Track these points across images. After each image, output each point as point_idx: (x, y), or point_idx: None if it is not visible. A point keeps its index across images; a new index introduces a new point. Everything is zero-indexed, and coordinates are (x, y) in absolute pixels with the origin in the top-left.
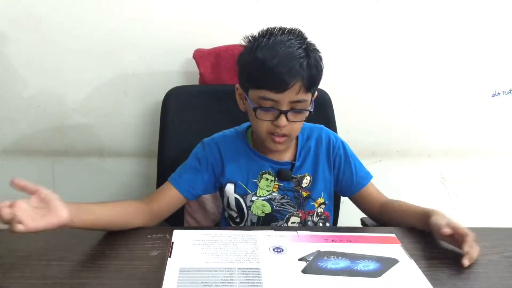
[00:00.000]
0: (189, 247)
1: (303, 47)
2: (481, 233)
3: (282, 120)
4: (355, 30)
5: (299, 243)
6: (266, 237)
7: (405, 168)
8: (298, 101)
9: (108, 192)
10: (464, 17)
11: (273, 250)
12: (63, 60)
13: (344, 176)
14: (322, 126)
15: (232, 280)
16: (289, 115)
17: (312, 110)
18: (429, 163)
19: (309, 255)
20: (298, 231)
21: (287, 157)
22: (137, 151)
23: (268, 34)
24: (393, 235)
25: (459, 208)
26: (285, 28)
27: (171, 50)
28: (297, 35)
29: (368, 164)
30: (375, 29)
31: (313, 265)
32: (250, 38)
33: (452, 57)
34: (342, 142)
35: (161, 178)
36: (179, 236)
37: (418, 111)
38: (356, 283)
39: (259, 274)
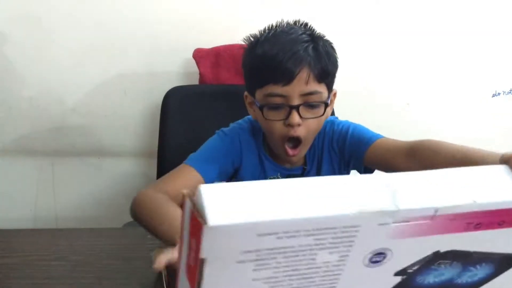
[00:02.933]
0: (234, 267)
1: (308, 33)
2: None
3: (294, 117)
4: (355, 29)
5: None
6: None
7: None
8: (310, 93)
9: (108, 192)
10: (464, 17)
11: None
12: (63, 60)
13: (350, 146)
14: None
15: None
16: (302, 110)
17: (328, 102)
18: None
19: (415, 264)
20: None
21: (298, 162)
22: (137, 151)
23: (268, 29)
24: None
25: None
26: (288, 21)
27: (171, 49)
28: (301, 24)
29: None
30: (375, 29)
31: (407, 284)
32: (251, 37)
33: (452, 57)
34: (339, 126)
35: None
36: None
37: (418, 111)
38: None
39: None
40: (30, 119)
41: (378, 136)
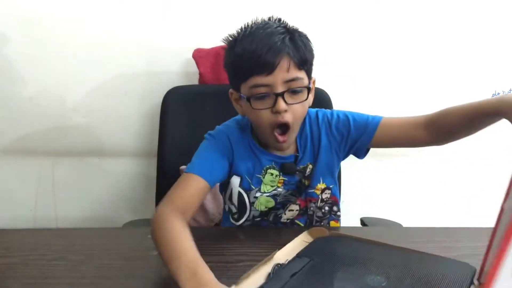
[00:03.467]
0: None
1: (282, 25)
2: (483, 232)
3: (280, 103)
4: (354, 29)
5: None
6: None
7: (404, 168)
8: (292, 80)
9: (108, 192)
10: (464, 16)
11: None
12: (63, 60)
13: (356, 131)
14: (310, 109)
15: None
16: (287, 97)
17: (310, 86)
18: (428, 162)
19: None
20: None
21: (290, 150)
22: (137, 151)
23: (245, 27)
24: None
25: (456, 207)
26: (263, 18)
27: (171, 50)
28: (275, 20)
29: (367, 163)
30: (375, 29)
31: None
32: (229, 37)
33: (452, 56)
34: (334, 114)
35: (161, 178)
36: None
37: (418, 110)
38: None
39: None
40: (30, 119)
41: (379, 117)
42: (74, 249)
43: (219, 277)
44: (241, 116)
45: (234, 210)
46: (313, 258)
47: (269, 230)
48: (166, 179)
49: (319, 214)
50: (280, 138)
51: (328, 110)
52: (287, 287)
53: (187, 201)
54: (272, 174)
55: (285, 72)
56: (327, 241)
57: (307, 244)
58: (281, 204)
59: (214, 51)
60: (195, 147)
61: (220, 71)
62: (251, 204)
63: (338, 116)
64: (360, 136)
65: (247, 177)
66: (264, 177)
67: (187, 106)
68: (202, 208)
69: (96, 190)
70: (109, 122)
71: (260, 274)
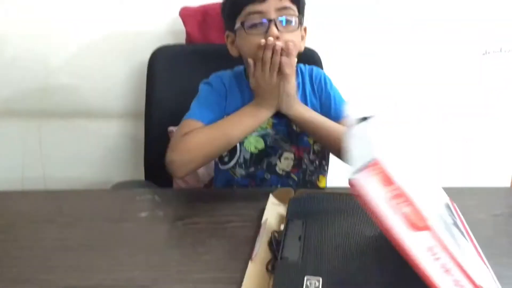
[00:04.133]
0: None
1: None
2: (469, 192)
3: (273, 29)
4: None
5: None
6: None
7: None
8: (284, 8)
9: (96, 154)
10: None
11: None
12: (46, 19)
13: (324, 107)
14: (306, 65)
15: None
16: (279, 26)
17: (302, 22)
18: (419, 125)
19: None
20: None
21: None
22: (124, 112)
23: None
24: None
25: (447, 168)
26: None
27: (157, 8)
28: None
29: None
30: None
31: None
32: None
33: (442, 15)
34: (324, 75)
35: (149, 139)
36: None
37: (406, 70)
38: None
39: None
40: (13, 81)
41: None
42: (63, 212)
43: (209, 237)
44: (236, 68)
45: (224, 152)
46: (305, 220)
47: (258, 191)
48: (154, 140)
49: (311, 168)
50: None
51: (322, 72)
52: (305, 252)
53: None
54: None
55: (277, 0)
56: (305, 200)
57: (279, 206)
58: (273, 149)
59: (202, 10)
60: (183, 107)
61: (208, 30)
62: (241, 143)
63: (326, 85)
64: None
65: None
66: None
67: (174, 66)
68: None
69: (83, 151)
70: (95, 82)
71: (263, 245)
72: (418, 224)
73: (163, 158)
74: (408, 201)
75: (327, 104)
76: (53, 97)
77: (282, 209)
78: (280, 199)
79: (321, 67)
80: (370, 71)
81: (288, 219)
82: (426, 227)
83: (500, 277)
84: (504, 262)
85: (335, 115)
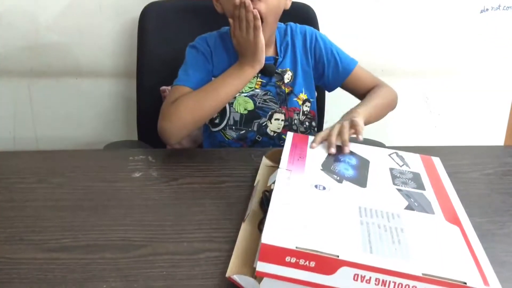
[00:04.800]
0: None
1: None
2: (461, 151)
3: None
4: None
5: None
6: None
7: None
8: None
9: (88, 114)
10: None
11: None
12: None
13: (330, 65)
14: (297, 24)
15: None
16: None
17: None
18: (413, 82)
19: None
20: None
21: (269, 52)
22: (115, 71)
23: None
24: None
25: (440, 127)
26: None
27: None
28: None
29: None
30: None
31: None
32: None
33: None
34: (319, 33)
35: (141, 99)
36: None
37: (403, 29)
38: None
39: None
40: (1, 39)
41: (354, 64)
42: (55, 172)
43: (204, 197)
44: (222, 28)
45: (215, 115)
46: None
47: (252, 151)
48: (146, 99)
49: (302, 129)
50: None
51: (315, 31)
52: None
53: None
54: None
55: None
56: None
57: (272, 167)
58: (263, 110)
59: None
60: (175, 65)
61: None
62: (230, 104)
63: (324, 42)
64: (330, 75)
65: None
66: None
67: (166, 22)
68: None
69: (75, 111)
70: (85, 40)
71: (255, 206)
72: None
73: (156, 118)
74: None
75: (332, 60)
76: (42, 56)
77: (275, 170)
78: (273, 160)
79: (316, 24)
80: (366, 29)
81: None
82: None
83: (492, 235)
84: (496, 220)
85: (344, 68)
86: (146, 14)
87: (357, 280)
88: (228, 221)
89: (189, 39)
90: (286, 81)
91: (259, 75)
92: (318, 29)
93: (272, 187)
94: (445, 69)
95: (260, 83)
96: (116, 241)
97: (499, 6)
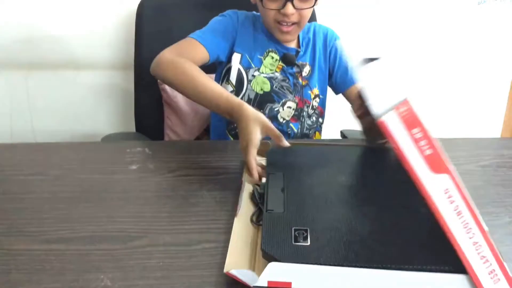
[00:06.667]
0: None
1: None
2: (458, 142)
3: (289, 8)
4: None
5: None
6: None
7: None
8: None
9: (85, 106)
10: None
11: None
12: None
13: (340, 67)
14: (321, 25)
15: None
16: (296, 2)
17: None
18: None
19: None
20: None
21: (292, 44)
22: (113, 63)
23: None
24: None
25: (438, 119)
26: None
27: None
28: None
29: None
30: None
31: None
32: None
33: None
34: (337, 36)
35: (139, 91)
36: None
37: (402, 23)
38: None
39: None
40: None
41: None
42: (53, 164)
43: (200, 189)
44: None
45: (230, 89)
46: (284, 172)
47: None
48: (144, 92)
49: (309, 122)
50: (284, 28)
51: (336, 34)
52: (289, 204)
53: (190, 57)
54: (272, 58)
55: None
56: (283, 153)
57: (259, 159)
58: (277, 95)
59: None
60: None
61: None
62: (249, 82)
63: (340, 50)
64: (338, 78)
65: (247, 55)
66: (265, 59)
67: (162, 15)
68: (183, 123)
69: (72, 103)
70: (82, 32)
71: (246, 200)
72: (439, 166)
73: (154, 110)
74: (431, 144)
75: (343, 65)
76: (39, 48)
77: (262, 162)
78: (259, 152)
79: (314, 16)
80: (365, 23)
81: (268, 172)
82: (445, 170)
83: (487, 226)
84: (491, 211)
85: (352, 77)
86: (143, 6)
87: (446, 194)
88: (225, 213)
89: (187, 31)
90: (304, 74)
91: (281, 61)
92: (314, 16)
93: (263, 181)
94: (442, 61)
95: (281, 67)
96: (113, 232)
97: None
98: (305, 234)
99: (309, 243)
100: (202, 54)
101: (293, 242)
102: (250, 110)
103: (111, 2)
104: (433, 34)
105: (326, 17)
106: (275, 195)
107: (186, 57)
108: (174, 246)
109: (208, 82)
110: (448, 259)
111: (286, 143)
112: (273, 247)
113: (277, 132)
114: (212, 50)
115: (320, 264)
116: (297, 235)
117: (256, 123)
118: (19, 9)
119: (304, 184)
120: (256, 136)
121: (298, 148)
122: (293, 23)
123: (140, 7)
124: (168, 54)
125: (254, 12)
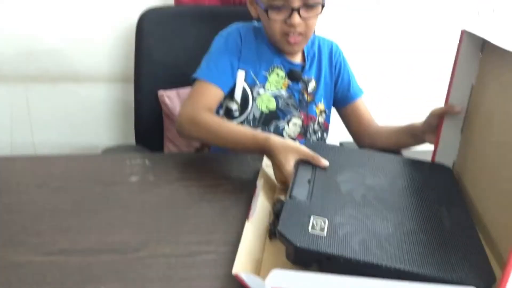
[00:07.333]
0: None
1: None
2: None
3: (295, 17)
4: None
5: None
6: None
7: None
8: None
9: (85, 118)
10: None
11: None
12: None
13: (343, 82)
14: (325, 38)
15: None
16: (302, 11)
17: (324, 3)
18: (410, 80)
19: None
20: None
21: (297, 59)
22: (112, 76)
23: None
24: None
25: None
26: None
27: None
28: None
29: None
30: None
31: None
32: None
33: None
34: (341, 51)
35: (139, 103)
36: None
37: (401, 30)
38: None
39: None
40: None
41: (360, 93)
42: (54, 176)
43: (200, 200)
44: (257, 23)
45: (234, 107)
46: (314, 166)
47: (248, 156)
48: (144, 104)
49: (314, 138)
50: (292, 39)
51: (340, 48)
52: (313, 194)
53: (207, 105)
54: (278, 75)
55: None
56: (315, 149)
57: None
58: (283, 113)
59: None
60: (173, 70)
61: None
62: (254, 99)
63: (344, 62)
64: (340, 93)
65: (252, 72)
66: (270, 76)
67: (163, 28)
68: None
69: (72, 116)
70: (82, 45)
71: (260, 205)
72: None
73: (154, 122)
74: None
75: (346, 80)
76: (39, 61)
77: None
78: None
79: None
80: (364, 31)
81: (298, 163)
82: None
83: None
84: None
85: (352, 93)
86: (143, 20)
87: None
88: (225, 224)
89: (187, 44)
90: (309, 90)
91: (287, 77)
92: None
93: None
94: (442, 62)
95: (287, 84)
96: (113, 243)
97: (493, 11)
98: (323, 225)
99: (325, 235)
100: (216, 93)
101: (309, 230)
102: (278, 142)
103: (112, 15)
104: (433, 35)
105: (326, 18)
106: (301, 184)
107: (202, 107)
108: (174, 257)
109: (230, 128)
110: (460, 275)
111: (324, 162)
112: (289, 229)
113: (311, 154)
114: (223, 83)
115: (333, 254)
116: (315, 224)
117: (288, 154)
118: (19, 22)
119: (332, 179)
120: (290, 168)
121: (333, 147)
122: (300, 34)
123: (141, 20)
124: (185, 114)
125: (255, 23)
